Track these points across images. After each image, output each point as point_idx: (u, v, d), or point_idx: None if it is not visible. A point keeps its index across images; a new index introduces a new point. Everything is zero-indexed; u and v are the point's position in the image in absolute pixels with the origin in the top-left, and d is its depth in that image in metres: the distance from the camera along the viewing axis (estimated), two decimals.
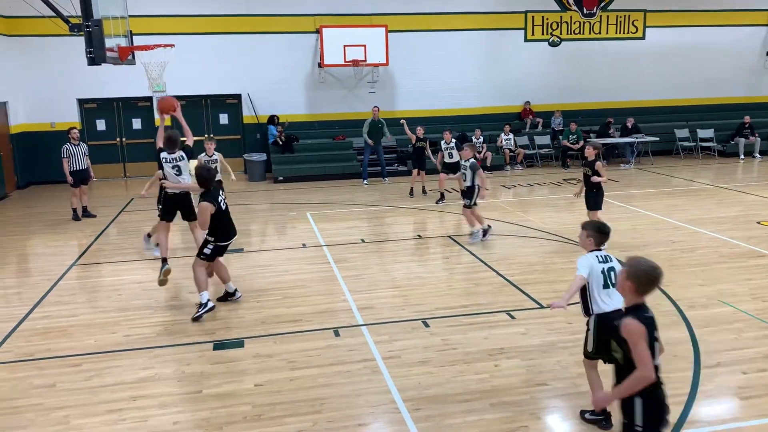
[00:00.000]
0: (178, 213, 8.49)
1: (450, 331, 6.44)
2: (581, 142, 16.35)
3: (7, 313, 7.33)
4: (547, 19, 18.30)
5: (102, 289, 8.26)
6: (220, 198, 6.98)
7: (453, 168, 12.39)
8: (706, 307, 6.90)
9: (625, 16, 18.61)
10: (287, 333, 6.49)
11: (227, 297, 7.48)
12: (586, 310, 4.61)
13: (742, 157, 17.61)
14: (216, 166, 10.05)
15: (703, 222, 10.71)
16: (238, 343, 6.29)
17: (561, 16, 18.22)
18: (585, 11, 18.00)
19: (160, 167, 8.22)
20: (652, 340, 3.21)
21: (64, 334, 6.66)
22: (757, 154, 17.74)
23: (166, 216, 8.40)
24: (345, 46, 16.60)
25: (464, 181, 9.92)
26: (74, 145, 12.10)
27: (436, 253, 9.52)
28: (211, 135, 17.23)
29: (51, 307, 7.49)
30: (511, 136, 17.33)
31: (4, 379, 5.68)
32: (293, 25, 17.12)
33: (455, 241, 9.97)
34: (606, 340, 4.07)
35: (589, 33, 18.52)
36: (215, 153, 10.82)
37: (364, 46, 16.71)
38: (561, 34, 18.32)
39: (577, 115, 18.18)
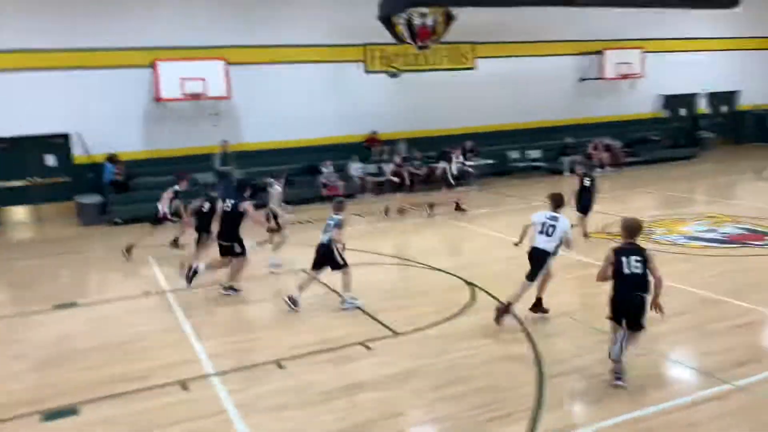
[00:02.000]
0: None
1: (305, 370, 6.27)
2: (425, 168, 16.97)
3: None
4: (385, 51, 18.95)
5: None
6: None
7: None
8: (548, 319, 7.33)
9: (456, 48, 19.75)
10: (129, 392, 5.96)
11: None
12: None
13: (567, 173, 19.28)
14: None
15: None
16: (71, 411, 5.66)
17: (398, 49, 18.94)
18: (419, 44, 18.84)
19: None
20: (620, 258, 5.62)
21: None
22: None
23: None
24: (182, 79, 16.03)
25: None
26: None
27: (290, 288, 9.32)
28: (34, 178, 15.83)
29: None
30: (360, 164, 17.61)
31: None
32: (126, 59, 16.23)
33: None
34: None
35: (425, 64, 19.43)
36: None
37: (203, 79, 16.24)
38: (400, 65, 19.03)
39: (421, 142, 18.91)
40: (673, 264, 9.46)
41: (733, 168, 19.23)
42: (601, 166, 19.12)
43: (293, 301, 7.97)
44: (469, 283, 8.84)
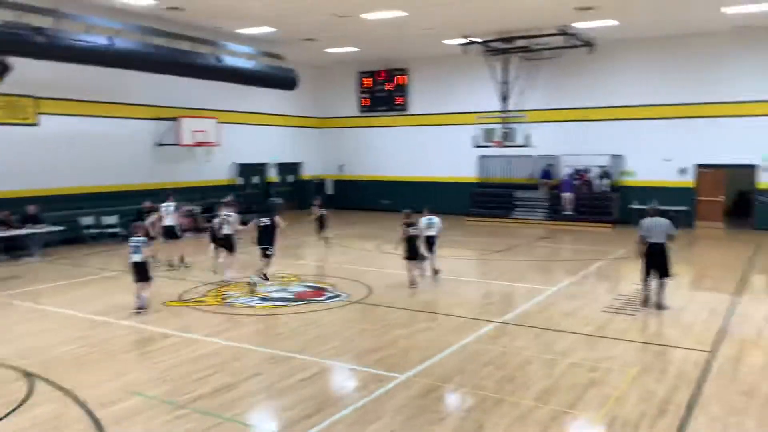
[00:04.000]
0: None
1: None
2: None
3: None
4: None
5: None
6: None
7: None
8: (118, 402, 6.74)
9: (14, 100, 17.52)
10: None
11: None
12: None
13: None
14: None
15: (112, 311, 10.65)
16: None
17: None
18: None
19: None
20: None
21: None
22: None
23: None
24: None
25: None
26: None
27: None
28: None
29: None
30: None
31: None
32: None
33: None
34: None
35: None
36: None
37: None
38: None
39: None
40: (247, 326, 9.91)
41: (297, 230, 21.47)
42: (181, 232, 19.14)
43: None
44: (28, 374, 7.61)
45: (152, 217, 14.61)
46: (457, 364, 8.02)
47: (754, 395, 6.94)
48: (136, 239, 10.48)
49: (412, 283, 12.46)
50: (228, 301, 11.50)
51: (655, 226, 10.70)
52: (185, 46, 18.62)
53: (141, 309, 10.44)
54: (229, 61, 19.90)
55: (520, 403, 6.72)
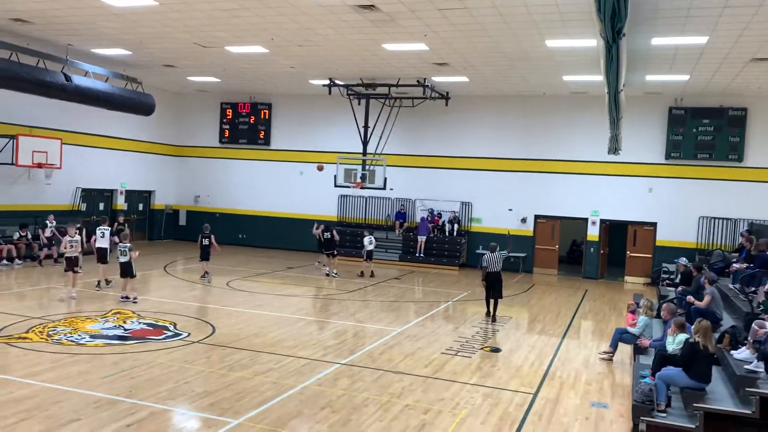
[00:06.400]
0: None
1: None
2: None
3: None
4: None
5: None
6: None
7: None
8: None
9: None
10: None
11: None
12: None
13: None
14: None
15: None
16: None
17: None
18: None
19: None
20: None
21: None
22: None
23: None
24: None
25: None
26: None
27: None
28: None
29: None
30: None
31: None
32: None
33: None
34: None
35: None
36: None
37: None
38: None
39: None
40: (71, 366, 9.20)
41: (145, 263, 20.34)
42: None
43: None
44: None
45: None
46: (295, 407, 7.95)
47: None
48: (123, 245, 14.20)
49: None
50: (55, 338, 10.63)
51: (494, 259, 14.16)
52: (31, 61, 17.37)
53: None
54: (80, 80, 18.78)
55: None
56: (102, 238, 15.68)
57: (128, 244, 14.33)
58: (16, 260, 18.54)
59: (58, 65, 18.25)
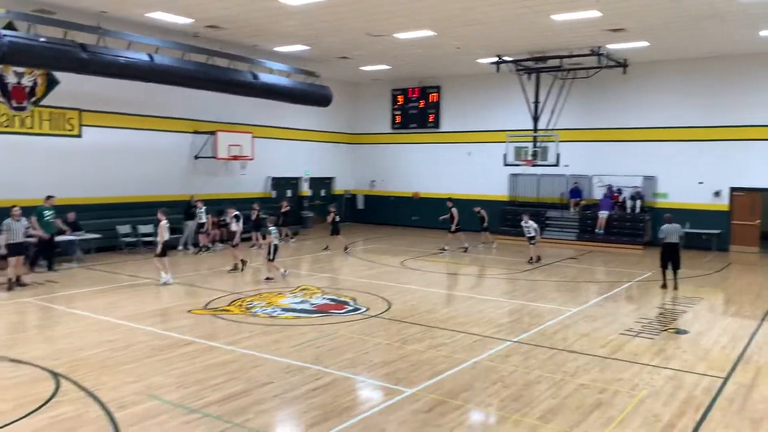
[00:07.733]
0: None
1: None
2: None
3: None
4: None
5: None
6: None
7: None
8: (136, 404, 7.08)
9: (60, 112, 18.35)
10: None
11: None
12: None
13: (180, 248, 19.42)
14: None
15: (141, 317, 11.13)
16: None
17: None
18: (14, 105, 16.99)
19: None
20: None
21: None
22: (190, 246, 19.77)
23: None
24: None
25: None
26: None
27: None
28: None
29: None
30: None
31: None
32: None
33: None
34: None
35: (21, 127, 17.49)
36: None
37: None
38: None
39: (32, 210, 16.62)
40: (265, 335, 10.19)
41: (325, 244, 21.73)
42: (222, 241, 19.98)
43: None
44: (55, 374, 8.03)
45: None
46: (467, 380, 8.14)
47: (762, 424, 6.89)
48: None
49: None
50: (252, 311, 11.84)
51: (671, 230, 14.31)
52: (223, 63, 19.27)
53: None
54: (265, 78, 20.45)
55: (522, 421, 6.81)
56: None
57: (272, 228, 15.27)
58: (218, 244, 20.73)
59: (245, 65, 20.02)
